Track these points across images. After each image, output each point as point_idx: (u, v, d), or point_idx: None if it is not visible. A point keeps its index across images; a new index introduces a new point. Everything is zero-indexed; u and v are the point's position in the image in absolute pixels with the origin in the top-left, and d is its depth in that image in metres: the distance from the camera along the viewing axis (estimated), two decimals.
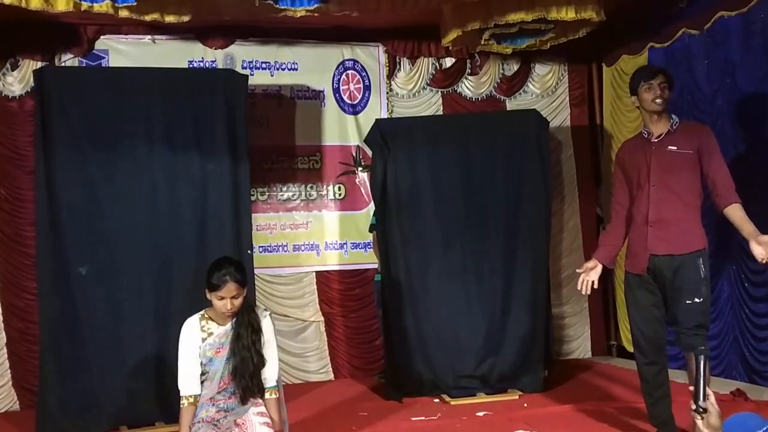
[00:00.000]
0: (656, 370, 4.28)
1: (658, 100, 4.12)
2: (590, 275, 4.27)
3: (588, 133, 7.62)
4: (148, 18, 5.24)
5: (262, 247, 6.70)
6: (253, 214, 5.78)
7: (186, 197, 5.35)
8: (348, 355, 6.92)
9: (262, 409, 3.68)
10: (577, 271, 4.37)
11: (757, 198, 5.51)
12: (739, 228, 3.98)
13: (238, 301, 3.59)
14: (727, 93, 5.84)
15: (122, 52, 6.51)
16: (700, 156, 4.08)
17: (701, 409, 2.37)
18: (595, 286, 4.30)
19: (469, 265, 6.02)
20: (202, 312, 3.72)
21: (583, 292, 4.29)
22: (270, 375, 3.70)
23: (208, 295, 3.63)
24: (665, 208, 4.10)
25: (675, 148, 4.12)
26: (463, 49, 7.05)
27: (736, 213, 3.98)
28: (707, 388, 2.41)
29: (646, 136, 4.24)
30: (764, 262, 3.80)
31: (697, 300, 4.04)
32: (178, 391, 3.65)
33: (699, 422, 2.37)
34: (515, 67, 7.45)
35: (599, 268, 4.32)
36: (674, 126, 4.18)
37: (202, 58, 6.69)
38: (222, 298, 3.56)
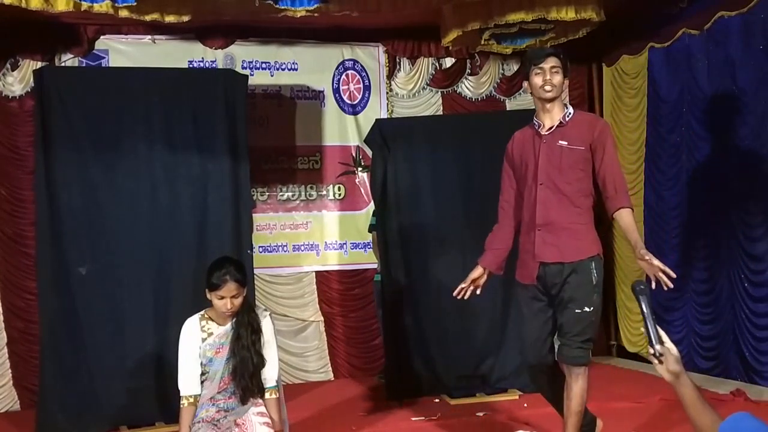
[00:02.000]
0: (553, 392, 3.98)
1: (547, 87, 3.66)
2: (476, 284, 3.88)
3: None
4: (148, 18, 5.24)
5: (262, 247, 6.70)
6: (253, 214, 5.78)
7: (186, 197, 5.35)
8: (348, 355, 6.92)
9: (262, 409, 3.68)
10: (461, 285, 3.88)
11: (757, 198, 5.53)
12: (625, 234, 3.68)
13: (238, 301, 3.59)
14: (727, 93, 5.84)
15: (122, 52, 6.51)
16: (592, 152, 3.65)
17: (659, 354, 2.22)
18: (478, 293, 3.91)
19: (469, 265, 5.90)
20: (202, 312, 3.72)
21: (459, 298, 3.88)
22: (270, 375, 3.70)
23: (208, 295, 3.63)
24: (554, 210, 3.66)
25: (565, 143, 3.66)
26: (463, 49, 7.06)
27: (624, 219, 3.61)
28: (659, 330, 2.24)
29: (536, 127, 3.78)
30: (666, 288, 3.42)
31: (587, 309, 3.66)
32: (178, 391, 3.65)
33: (658, 368, 2.22)
34: (515, 67, 7.44)
35: (485, 275, 3.91)
36: (567, 117, 3.71)
37: (202, 58, 6.69)
38: (222, 298, 3.56)
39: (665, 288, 3.41)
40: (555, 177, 3.67)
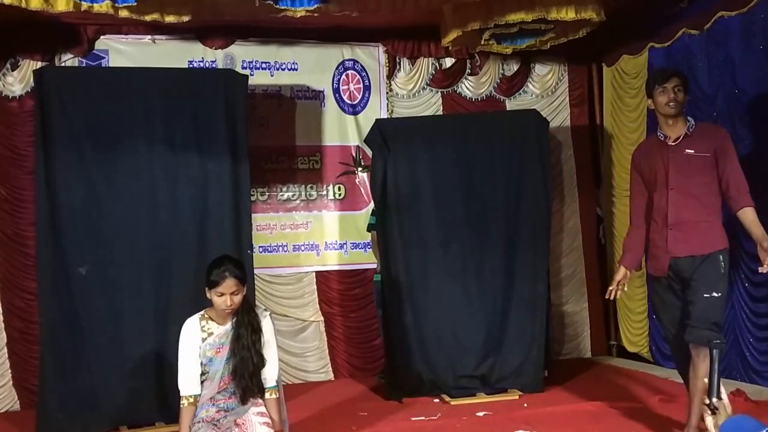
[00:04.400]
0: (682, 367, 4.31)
1: (671, 104, 4.14)
2: (621, 284, 4.35)
3: (588, 133, 7.62)
4: (148, 18, 5.24)
5: (262, 247, 6.70)
6: (253, 214, 5.78)
7: (186, 197, 5.35)
8: (348, 355, 6.92)
9: (262, 409, 3.68)
10: (610, 288, 4.39)
11: (758, 197, 5.51)
12: (749, 230, 4.05)
13: (237, 298, 3.59)
14: (727, 93, 5.84)
15: (122, 52, 6.51)
16: (716, 158, 4.12)
17: (713, 407, 2.35)
18: (626, 289, 4.42)
19: (469, 265, 6.02)
20: (202, 312, 3.72)
21: (611, 298, 4.42)
22: (270, 375, 3.71)
23: (207, 294, 3.63)
24: (685, 211, 4.13)
25: (693, 151, 4.14)
26: (463, 49, 7.05)
27: (747, 216, 4.04)
28: (721, 386, 2.39)
29: (662, 139, 4.25)
30: (763, 271, 3.91)
31: (715, 294, 4.02)
32: (178, 391, 3.66)
33: (708, 419, 2.35)
34: (515, 67, 7.45)
35: (628, 275, 4.39)
36: (691, 129, 4.20)
37: (202, 58, 6.68)
38: (221, 295, 3.56)
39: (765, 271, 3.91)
40: (685, 182, 4.14)
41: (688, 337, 4.08)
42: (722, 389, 2.38)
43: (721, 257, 4.09)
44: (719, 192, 4.16)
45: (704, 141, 4.16)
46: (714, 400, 2.35)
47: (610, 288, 4.37)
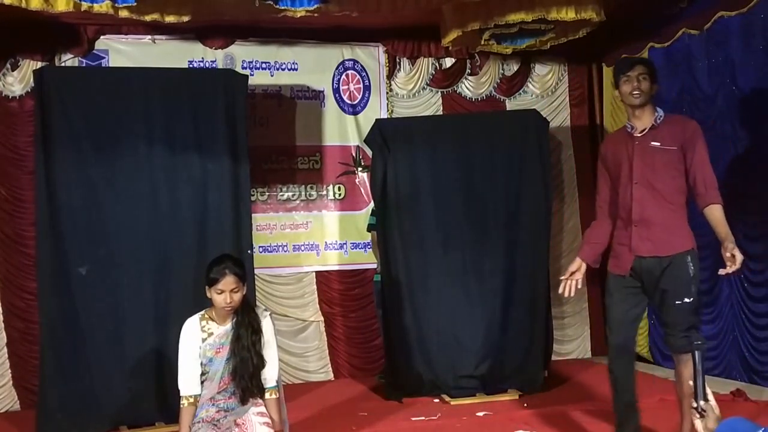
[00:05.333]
0: (626, 378, 4.07)
1: (635, 92, 3.92)
2: (575, 277, 4.06)
3: (588, 133, 7.62)
4: (148, 18, 5.24)
5: (262, 247, 6.70)
6: (253, 214, 5.78)
7: (186, 197, 5.35)
8: (348, 355, 6.92)
9: (263, 409, 3.68)
10: (561, 278, 4.13)
11: (757, 197, 5.53)
12: (714, 229, 3.81)
13: (237, 296, 3.59)
14: (727, 93, 5.85)
15: (122, 52, 6.51)
16: (684, 152, 3.89)
17: (701, 410, 2.32)
18: (579, 286, 4.09)
19: (469, 265, 6.02)
20: (202, 312, 3.72)
21: (566, 295, 4.08)
22: (270, 375, 3.71)
23: (207, 293, 3.63)
24: (649, 208, 3.91)
25: (658, 144, 3.92)
26: (463, 49, 7.06)
27: (714, 214, 3.80)
28: (707, 387, 2.35)
29: (629, 130, 4.02)
30: (724, 274, 3.68)
31: (686, 300, 3.84)
32: (178, 391, 3.66)
33: (698, 423, 2.33)
34: (515, 67, 7.45)
35: (584, 267, 4.11)
36: (658, 120, 3.96)
37: (202, 58, 6.69)
38: (221, 292, 3.56)
39: (724, 273, 3.68)
40: (649, 176, 3.91)
41: (669, 348, 3.98)
42: (708, 391, 2.35)
43: (688, 258, 3.87)
44: (686, 189, 3.93)
45: (671, 134, 3.92)
46: (701, 402, 2.32)
47: (562, 278, 4.10)
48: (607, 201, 4.16)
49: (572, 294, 4.09)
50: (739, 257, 3.62)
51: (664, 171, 3.91)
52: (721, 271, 3.65)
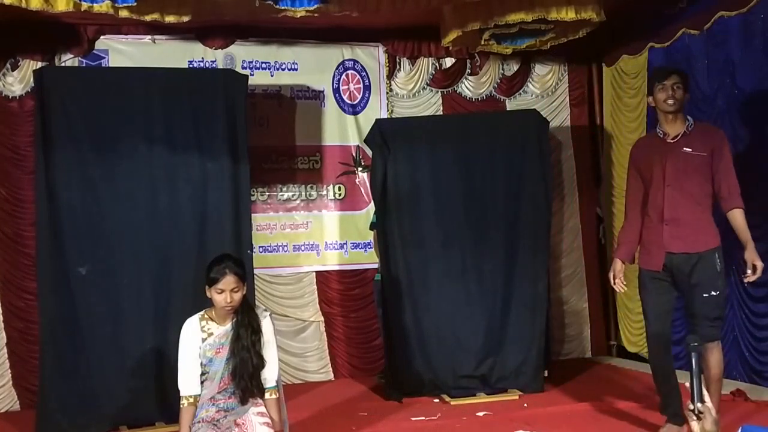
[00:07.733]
0: (664, 363, 4.41)
1: (670, 101, 4.23)
2: (621, 276, 4.47)
3: (588, 133, 7.62)
4: (148, 18, 5.23)
5: (262, 247, 6.70)
6: (253, 214, 5.78)
7: (186, 197, 5.35)
8: (348, 355, 6.92)
9: (262, 409, 3.68)
10: (613, 277, 4.50)
11: (756, 197, 5.52)
12: (736, 232, 4.18)
13: (237, 296, 3.59)
14: (727, 93, 5.84)
15: (122, 52, 6.51)
16: (712, 158, 4.22)
17: (698, 412, 2.29)
18: (624, 282, 4.49)
19: (469, 265, 6.02)
20: (202, 312, 3.72)
21: (623, 291, 4.60)
22: (270, 375, 3.71)
23: (208, 292, 3.64)
24: (680, 208, 4.24)
25: (690, 150, 4.24)
26: (463, 49, 7.05)
27: (736, 218, 4.17)
28: (703, 388, 2.33)
29: (661, 136, 4.35)
30: (748, 280, 4.15)
31: (713, 293, 4.17)
32: (178, 391, 3.66)
33: (694, 425, 2.30)
34: (515, 67, 7.45)
35: (623, 267, 4.50)
36: (689, 128, 4.29)
37: (202, 58, 6.68)
38: (221, 292, 3.57)
39: (745, 281, 4.21)
40: (682, 179, 4.25)
41: (694, 334, 4.15)
42: (704, 392, 2.33)
43: (716, 255, 4.22)
44: (711, 191, 4.26)
45: (702, 140, 4.25)
46: (698, 404, 2.30)
47: (614, 277, 4.49)
48: (639, 202, 4.45)
49: (625, 289, 4.54)
50: (760, 265, 4.06)
51: (695, 174, 4.24)
52: (747, 279, 4.13)
